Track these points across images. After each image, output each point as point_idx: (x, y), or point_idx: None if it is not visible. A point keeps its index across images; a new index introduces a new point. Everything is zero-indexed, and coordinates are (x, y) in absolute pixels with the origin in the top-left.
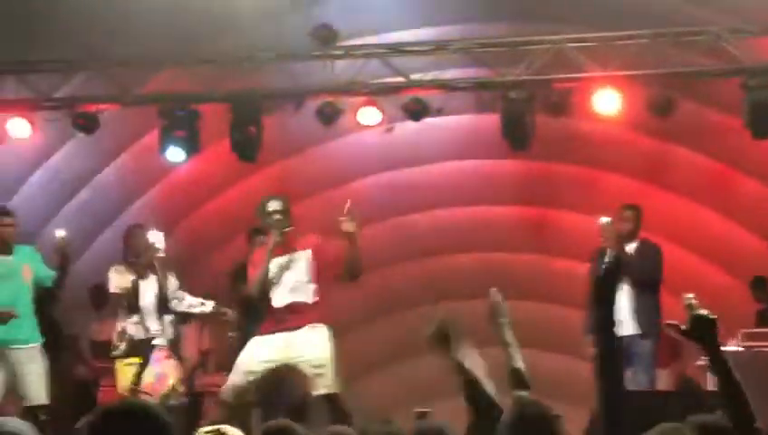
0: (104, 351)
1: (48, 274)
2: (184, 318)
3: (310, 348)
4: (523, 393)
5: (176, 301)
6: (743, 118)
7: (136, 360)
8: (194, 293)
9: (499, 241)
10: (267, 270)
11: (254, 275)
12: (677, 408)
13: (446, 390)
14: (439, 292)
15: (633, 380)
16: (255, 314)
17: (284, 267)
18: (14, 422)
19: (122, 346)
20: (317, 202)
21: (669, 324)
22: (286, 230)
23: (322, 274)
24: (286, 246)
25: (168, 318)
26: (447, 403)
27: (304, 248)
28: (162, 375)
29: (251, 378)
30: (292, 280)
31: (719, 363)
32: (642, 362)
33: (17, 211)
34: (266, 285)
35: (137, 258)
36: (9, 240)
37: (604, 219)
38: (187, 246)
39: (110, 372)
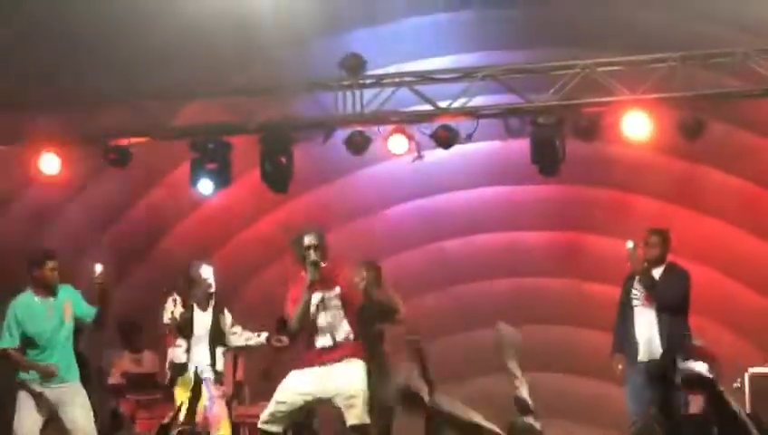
0: (140, 384)
1: (89, 311)
2: None
3: (344, 381)
4: (520, 418)
5: (234, 336)
6: None
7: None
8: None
9: (531, 266)
10: (307, 307)
11: (293, 312)
12: (712, 431)
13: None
14: (472, 318)
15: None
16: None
17: (319, 308)
18: None
19: (168, 374)
20: (348, 231)
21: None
22: (322, 267)
23: (352, 310)
24: (321, 283)
25: (220, 351)
26: None
27: (336, 285)
28: (217, 416)
29: (283, 408)
30: (327, 321)
31: (721, 412)
32: (674, 386)
33: (50, 246)
34: (305, 321)
35: (195, 288)
36: (54, 283)
37: (629, 244)
38: (221, 277)
39: (147, 405)
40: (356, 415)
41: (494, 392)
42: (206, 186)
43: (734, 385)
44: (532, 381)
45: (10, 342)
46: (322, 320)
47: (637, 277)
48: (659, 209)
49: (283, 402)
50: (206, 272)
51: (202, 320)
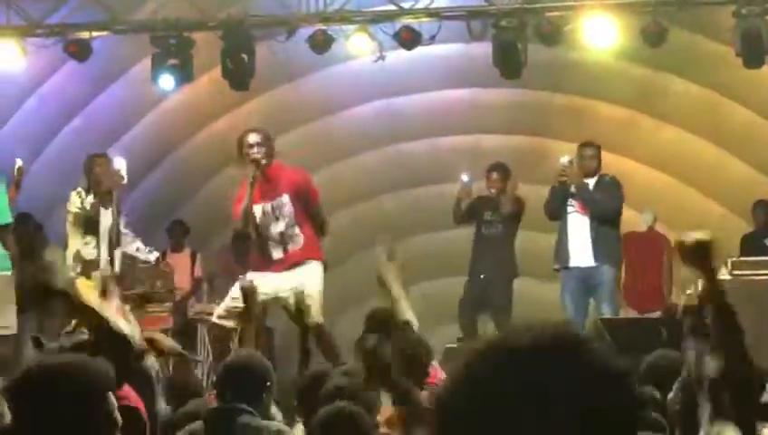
0: None
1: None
2: (176, 247)
3: (300, 281)
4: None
5: (127, 238)
6: (734, 46)
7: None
8: (188, 221)
9: None
10: (250, 205)
11: (238, 210)
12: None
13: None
14: (433, 221)
15: (596, 309)
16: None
17: (270, 217)
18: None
19: (78, 268)
20: (309, 131)
21: (678, 243)
22: (267, 170)
23: (303, 213)
24: (269, 190)
25: (118, 253)
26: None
27: (285, 192)
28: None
29: (239, 304)
30: (278, 231)
31: (713, 290)
32: (604, 290)
33: (10, 139)
34: (251, 218)
35: (98, 187)
36: None
37: (565, 159)
38: (180, 174)
39: None
40: (311, 314)
41: (452, 294)
42: (167, 81)
43: (687, 292)
44: None
45: None
46: (274, 230)
47: (572, 189)
48: (621, 116)
49: (239, 298)
50: (119, 163)
51: (108, 218)
